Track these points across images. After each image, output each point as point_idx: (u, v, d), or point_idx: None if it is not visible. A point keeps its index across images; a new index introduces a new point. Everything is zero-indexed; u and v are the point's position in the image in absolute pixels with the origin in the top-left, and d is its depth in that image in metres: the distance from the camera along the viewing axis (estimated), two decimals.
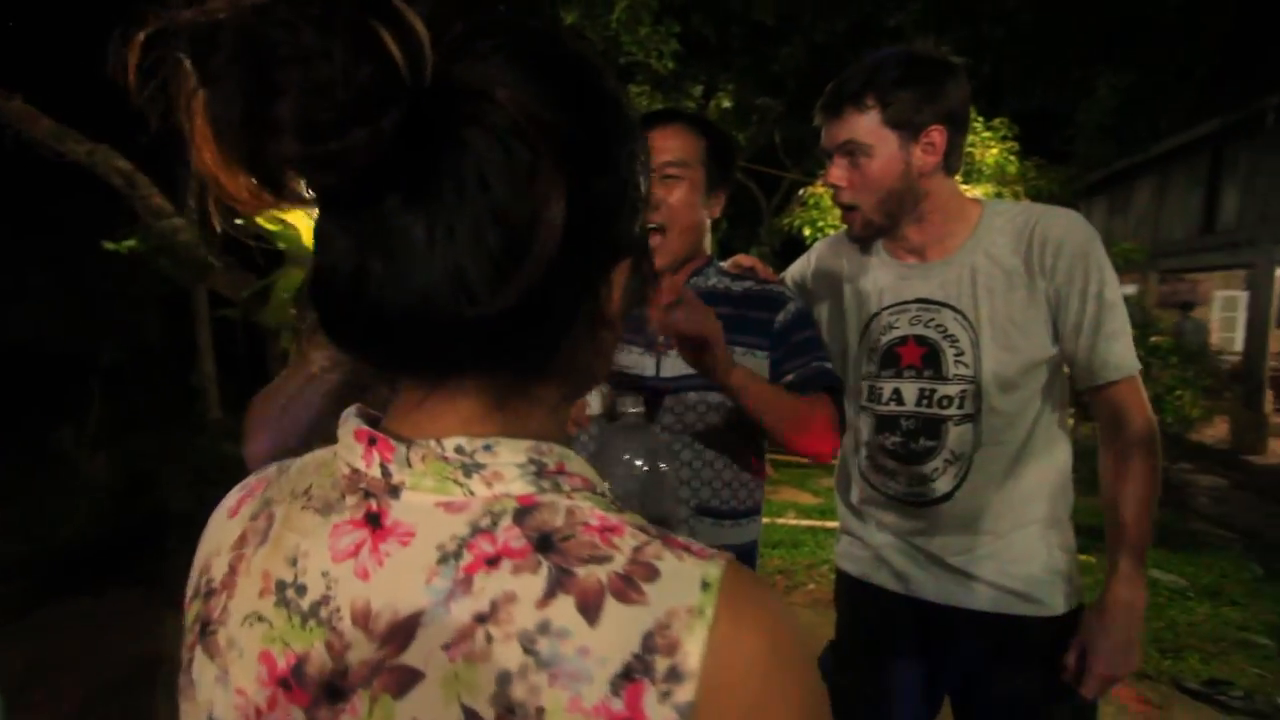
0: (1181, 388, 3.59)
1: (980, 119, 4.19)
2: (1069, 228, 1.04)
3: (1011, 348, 1.04)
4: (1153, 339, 3.67)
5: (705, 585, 0.33)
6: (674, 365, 1.14)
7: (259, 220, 3.37)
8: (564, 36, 0.37)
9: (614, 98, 0.38)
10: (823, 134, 1.10)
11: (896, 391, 1.12)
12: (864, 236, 1.13)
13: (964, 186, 4.70)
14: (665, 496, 0.77)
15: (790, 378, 1.11)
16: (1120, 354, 1.03)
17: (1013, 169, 4.11)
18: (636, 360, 1.18)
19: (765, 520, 5.50)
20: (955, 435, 1.08)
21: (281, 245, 3.53)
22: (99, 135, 3.58)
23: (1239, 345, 10.25)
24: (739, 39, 7.24)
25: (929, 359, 1.09)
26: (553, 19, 6.18)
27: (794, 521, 4.88)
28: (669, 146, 1.12)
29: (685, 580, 0.33)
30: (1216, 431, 7.58)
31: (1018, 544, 1.08)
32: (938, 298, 1.09)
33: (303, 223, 3.43)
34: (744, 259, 1.21)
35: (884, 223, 1.09)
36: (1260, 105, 8.12)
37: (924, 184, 1.07)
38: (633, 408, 0.80)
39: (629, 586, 0.32)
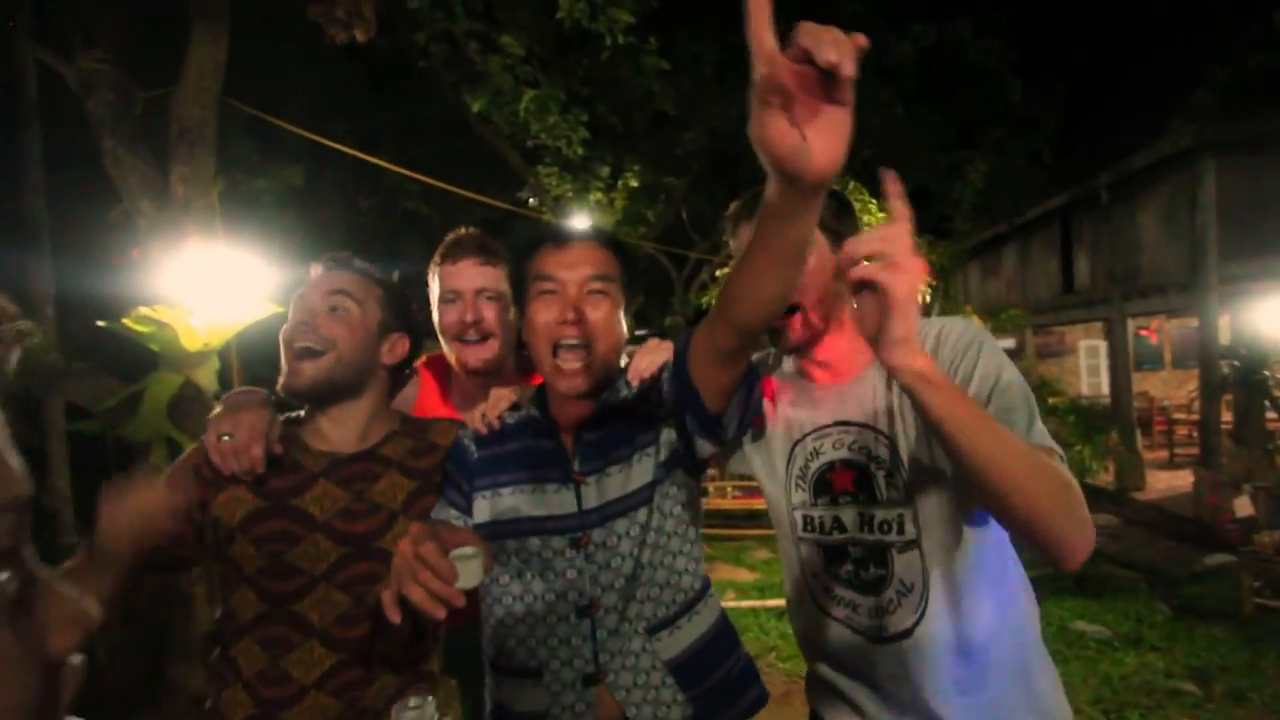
0: (1081, 443, 3.82)
1: (874, 201, 4.49)
2: (954, 326, 1.01)
3: (933, 464, 0.97)
4: (1050, 400, 3.93)
5: None
6: (595, 494, 1.04)
7: (127, 322, 2.99)
8: None
9: None
10: (745, 237, 1.04)
11: (837, 519, 1.04)
12: (803, 342, 1.06)
13: None
14: None
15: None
16: (1021, 425, 0.88)
17: None
18: (553, 498, 1.04)
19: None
20: (902, 563, 1.00)
21: (154, 347, 3.15)
22: None
23: (1105, 388, 11.36)
24: (642, 124, 7.59)
25: (860, 483, 1.03)
26: (458, 104, 6.22)
27: (733, 603, 4.71)
28: (593, 260, 1.05)
29: None
30: (1104, 474, 8.21)
31: (995, 685, 0.98)
32: (856, 418, 1.03)
33: (179, 322, 3.08)
34: (644, 370, 1.12)
35: (820, 325, 1.04)
36: (1095, 184, 9.36)
37: (844, 289, 1.05)
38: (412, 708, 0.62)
39: None
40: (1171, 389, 12.33)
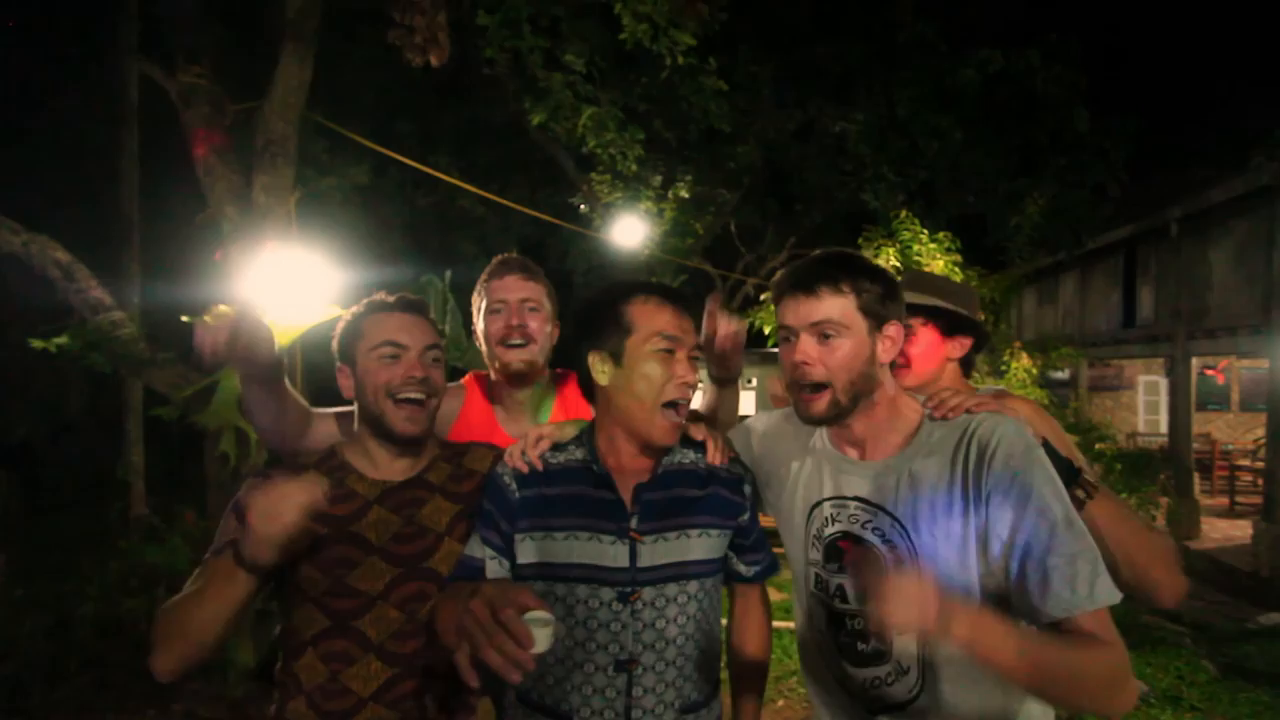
0: (1127, 493, 3.72)
1: (925, 231, 4.45)
2: (1005, 435, 0.98)
3: (947, 558, 0.98)
4: (1097, 446, 3.83)
5: None
6: (649, 554, 1.05)
7: (207, 318, 3.22)
8: None
9: None
10: (787, 312, 1.07)
11: (840, 588, 1.07)
12: (825, 419, 1.07)
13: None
14: None
15: (754, 570, 1.18)
16: (1086, 579, 0.89)
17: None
18: (607, 550, 1.04)
19: (724, 622, 5.43)
20: (901, 646, 1.02)
21: None
22: (36, 224, 3.41)
23: (1163, 427, 10.86)
24: (695, 137, 7.64)
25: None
26: (518, 110, 6.40)
27: None
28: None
29: None
30: (1155, 521, 7.87)
31: None
32: (875, 500, 1.05)
33: None
34: (695, 431, 1.17)
35: (848, 405, 1.05)
36: (1165, 217, 8.98)
37: (879, 372, 1.07)
38: None
39: None
40: (1237, 433, 11.69)
